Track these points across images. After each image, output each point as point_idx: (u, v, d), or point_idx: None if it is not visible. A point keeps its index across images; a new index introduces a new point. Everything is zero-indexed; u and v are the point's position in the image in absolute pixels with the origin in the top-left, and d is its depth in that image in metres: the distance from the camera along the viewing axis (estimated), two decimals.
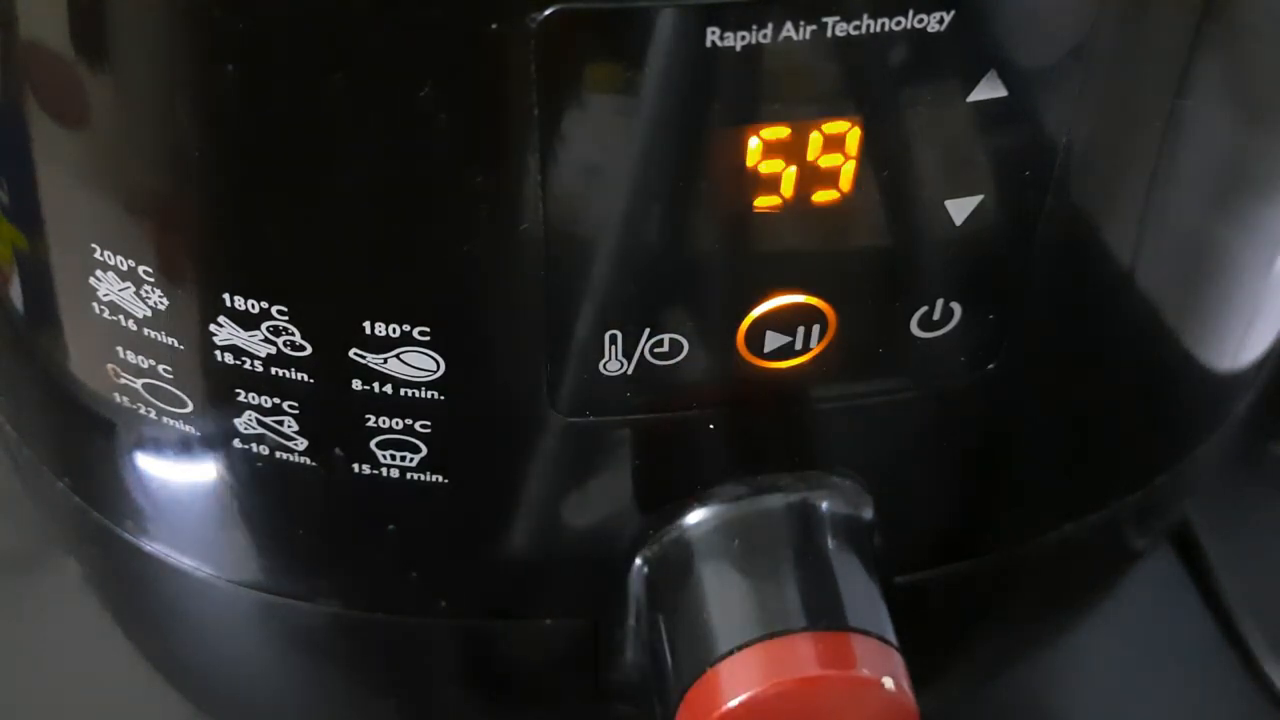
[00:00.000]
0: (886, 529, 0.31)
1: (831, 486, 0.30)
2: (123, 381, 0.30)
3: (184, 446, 0.31)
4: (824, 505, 0.30)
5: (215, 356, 0.28)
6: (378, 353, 0.27)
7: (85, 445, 0.33)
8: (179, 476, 0.32)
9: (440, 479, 0.29)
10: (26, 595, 0.46)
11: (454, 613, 0.34)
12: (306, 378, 0.28)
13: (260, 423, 0.29)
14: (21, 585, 0.46)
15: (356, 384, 0.28)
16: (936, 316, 0.27)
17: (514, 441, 0.29)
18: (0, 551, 0.47)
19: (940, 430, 0.30)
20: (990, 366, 0.29)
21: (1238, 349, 0.34)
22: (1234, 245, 0.30)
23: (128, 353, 0.29)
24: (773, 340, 0.27)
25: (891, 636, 0.30)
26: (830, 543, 0.30)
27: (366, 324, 0.26)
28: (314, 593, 0.33)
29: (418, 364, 0.27)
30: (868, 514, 0.31)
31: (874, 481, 0.31)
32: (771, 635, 0.29)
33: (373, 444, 0.29)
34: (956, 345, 0.28)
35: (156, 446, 0.31)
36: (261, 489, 0.31)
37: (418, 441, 0.29)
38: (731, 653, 0.29)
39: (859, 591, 0.30)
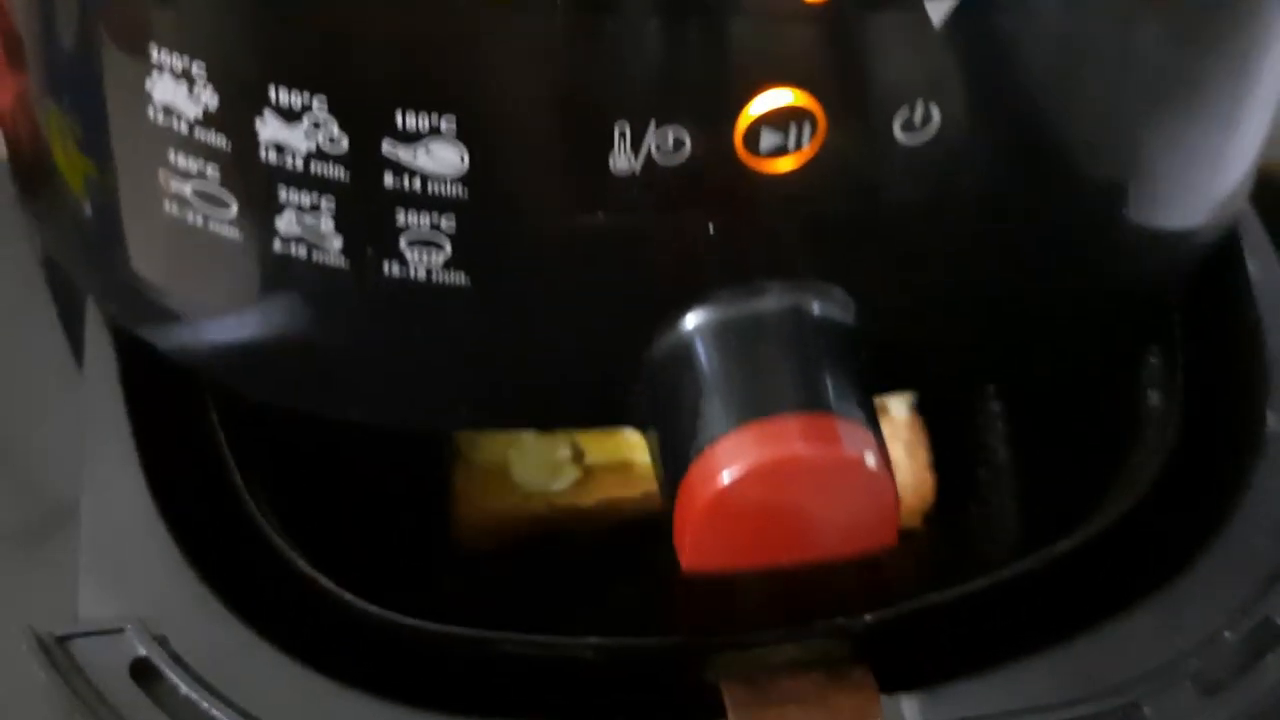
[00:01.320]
0: (872, 342, 0.34)
1: (822, 294, 0.33)
2: (173, 188, 0.33)
3: (228, 255, 0.33)
4: (814, 309, 0.33)
5: (259, 154, 0.31)
6: (408, 144, 0.30)
7: (132, 265, 0.36)
8: (221, 288, 0.34)
9: (463, 280, 0.32)
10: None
11: (475, 421, 0.37)
12: (343, 173, 0.30)
13: (300, 222, 0.32)
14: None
15: (388, 178, 0.30)
16: (917, 120, 0.30)
17: (531, 240, 0.32)
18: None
19: (923, 242, 0.33)
20: (969, 177, 0.31)
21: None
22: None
23: (179, 157, 0.32)
24: (767, 139, 0.30)
25: (874, 423, 0.32)
26: (819, 342, 0.33)
27: (398, 114, 0.29)
28: (342, 405, 0.36)
29: (444, 156, 0.30)
30: (855, 324, 0.33)
31: (862, 292, 0.33)
32: (762, 417, 0.31)
33: (402, 243, 0.31)
34: (938, 152, 0.31)
35: (202, 257, 0.34)
36: (299, 296, 0.34)
37: (443, 240, 0.31)
38: (726, 434, 0.31)
39: (844, 383, 0.32)
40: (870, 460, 0.31)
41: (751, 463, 0.31)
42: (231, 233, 0.33)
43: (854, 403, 0.32)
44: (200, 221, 0.33)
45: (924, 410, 0.46)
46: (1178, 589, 0.34)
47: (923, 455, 0.45)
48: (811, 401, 0.32)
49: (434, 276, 0.32)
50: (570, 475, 0.44)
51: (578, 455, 0.45)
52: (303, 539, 0.38)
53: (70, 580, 0.34)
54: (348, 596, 0.34)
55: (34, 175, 0.38)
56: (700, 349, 0.33)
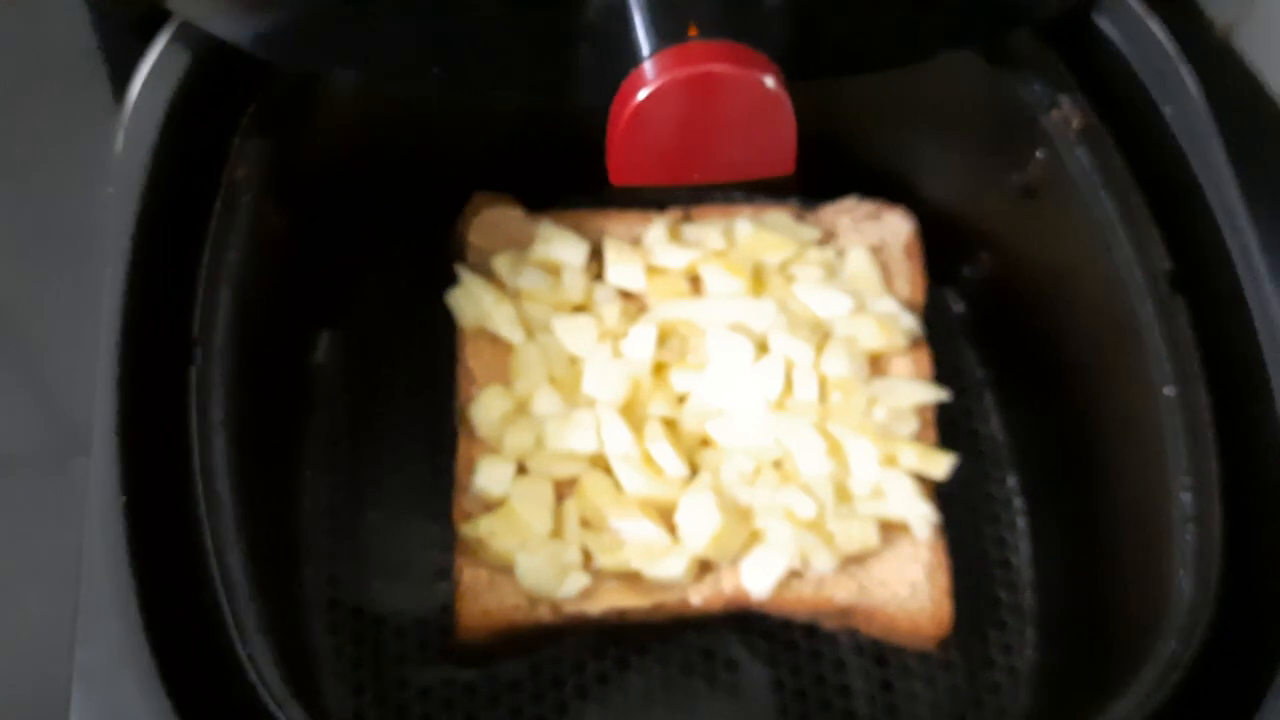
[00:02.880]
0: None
1: None
2: None
3: None
4: None
5: None
6: None
7: None
8: None
9: None
10: None
11: (447, 82, 0.41)
12: None
13: None
14: None
15: None
16: None
17: None
18: None
19: None
20: None
21: None
22: None
23: None
24: None
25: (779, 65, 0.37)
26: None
27: None
28: (346, 60, 0.41)
29: None
30: None
31: None
32: (681, 42, 0.37)
33: None
34: None
35: None
36: None
37: None
38: (645, 59, 0.37)
39: (759, 29, 0.38)
40: (769, 82, 0.37)
41: (665, 79, 0.37)
42: None
43: (764, 43, 0.37)
44: None
45: (949, 528, 0.44)
46: None
47: (942, 581, 0.44)
48: (723, 32, 0.37)
49: None
50: (579, 581, 0.43)
51: (586, 560, 0.44)
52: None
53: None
54: None
55: None
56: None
